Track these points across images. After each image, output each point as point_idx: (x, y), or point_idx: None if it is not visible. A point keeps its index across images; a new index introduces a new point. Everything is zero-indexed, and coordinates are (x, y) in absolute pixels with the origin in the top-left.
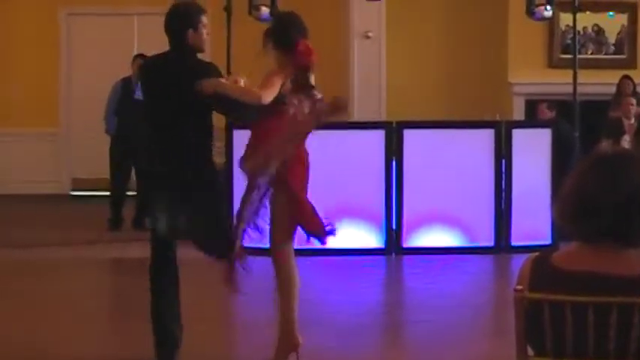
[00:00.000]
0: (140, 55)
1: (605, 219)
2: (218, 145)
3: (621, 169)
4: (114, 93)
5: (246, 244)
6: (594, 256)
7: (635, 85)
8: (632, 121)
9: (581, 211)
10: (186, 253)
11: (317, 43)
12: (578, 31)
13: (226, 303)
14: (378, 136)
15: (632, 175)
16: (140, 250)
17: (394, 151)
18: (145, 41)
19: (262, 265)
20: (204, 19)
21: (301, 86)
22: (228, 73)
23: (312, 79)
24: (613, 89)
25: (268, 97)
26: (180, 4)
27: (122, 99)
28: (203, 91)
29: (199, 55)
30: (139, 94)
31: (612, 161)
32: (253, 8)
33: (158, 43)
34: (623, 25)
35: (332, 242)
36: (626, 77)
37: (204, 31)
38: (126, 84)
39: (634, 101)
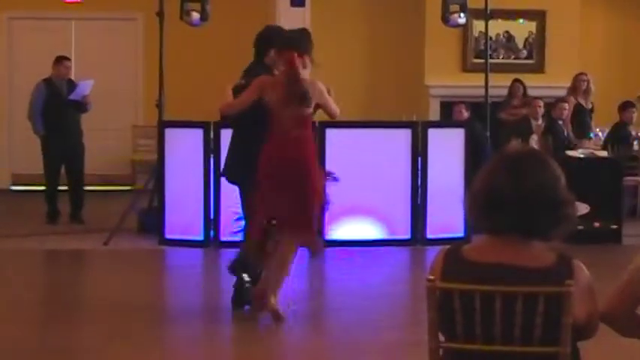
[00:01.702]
0: (63, 57)
1: (511, 213)
2: (150, 142)
3: (526, 167)
4: (38, 93)
5: None
6: (502, 248)
7: (525, 88)
8: (540, 121)
9: (488, 206)
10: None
11: (244, 48)
12: (490, 37)
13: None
14: None
15: (535, 173)
16: (76, 243)
17: (317, 149)
18: (81, 45)
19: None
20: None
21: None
22: (161, 76)
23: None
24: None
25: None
26: (267, 27)
27: (48, 99)
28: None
29: None
30: (76, 95)
31: (518, 159)
32: (185, 13)
33: (94, 48)
34: (531, 32)
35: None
36: (517, 81)
37: None
38: (49, 85)
39: (541, 103)
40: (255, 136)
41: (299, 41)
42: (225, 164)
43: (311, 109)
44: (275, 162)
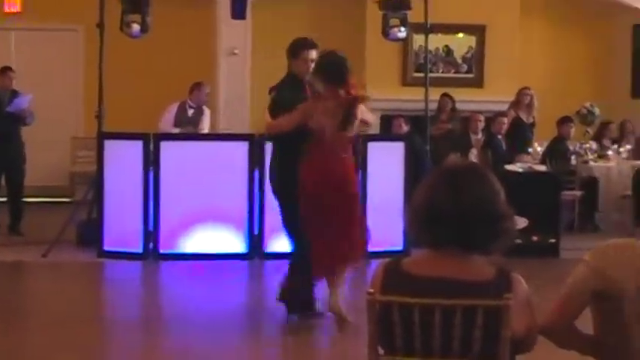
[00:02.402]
0: (7, 68)
1: (450, 227)
2: (90, 154)
3: (464, 181)
4: None
5: None
6: (442, 262)
7: (454, 103)
8: (479, 136)
9: (428, 220)
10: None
11: (185, 59)
12: (430, 52)
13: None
14: (242, 147)
15: (474, 187)
16: (15, 254)
17: (257, 161)
18: (21, 56)
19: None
20: (309, 52)
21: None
22: (100, 87)
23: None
24: (462, 106)
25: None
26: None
27: None
28: None
29: None
30: (13, 107)
31: (457, 174)
32: (125, 25)
33: (34, 59)
34: (471, 47)
35: (197, 247)
36: (445, 95)
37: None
38: None
39: (482, 117)
40: (297, 152)
41: (347, 68)
42: (271, 178)
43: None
44: (324, 183)
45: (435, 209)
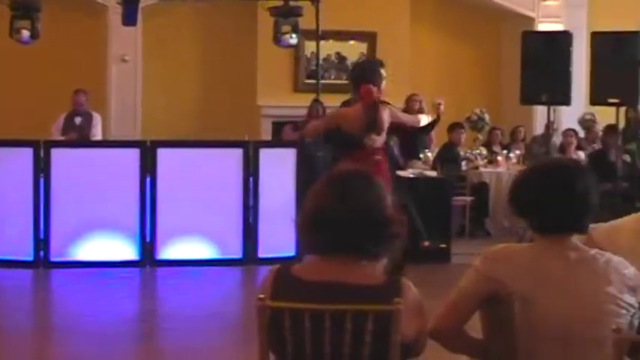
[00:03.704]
0: None
1: (337, 233)
2: None
3: (350, 187)
4: None
5: None
6: (331, 268)
7: (324, 108)
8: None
9: (315, 226)
10: None
11: (76, 65)
12: (322, 58)
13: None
14: (133, 154)
15: (360, 192)
16: None
17: (148, 168)
18: None
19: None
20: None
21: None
22: None
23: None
24: None
25: None
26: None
27: None
28: None
29: None
30: None
31: (343, 180)
32: (14, 31)
33: None
34: (362, 53)
35: (89, 254)
36: (316, 101)
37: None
38: None
39: None
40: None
41: (372, 73)
42: None
43: (383, 134)
44: None
45: (321, 216)
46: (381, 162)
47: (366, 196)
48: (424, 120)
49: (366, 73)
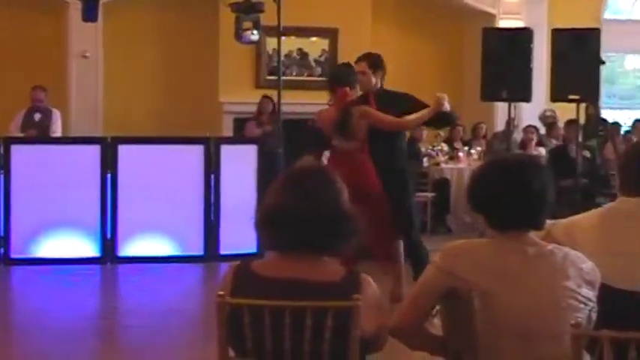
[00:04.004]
0: None
1: (295, 229)
2: None
3: (308, 184)
4: None
5: None
6: (291, 264)
7: (274, 105)
8: None
9: (274, 223)
10: None
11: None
12: (284, 55)
13: None
14: (94, 151)
15: (317, 189)
16: None
17: (109, 164)
18: None
19: None
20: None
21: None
22: None
23: None
24: (315, 109)
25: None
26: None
27: None
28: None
29: None
30: None
31: (301, 176)
32: None
33: None
34: (324, 50)
35: (50, 252)
36: (266, 97)
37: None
38: None
39: None
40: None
41: (347, 76)
42: None
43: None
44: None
45: (279, 212)
46: (364, 161)
47: (324, 192)
48: None
49: (342, 75)
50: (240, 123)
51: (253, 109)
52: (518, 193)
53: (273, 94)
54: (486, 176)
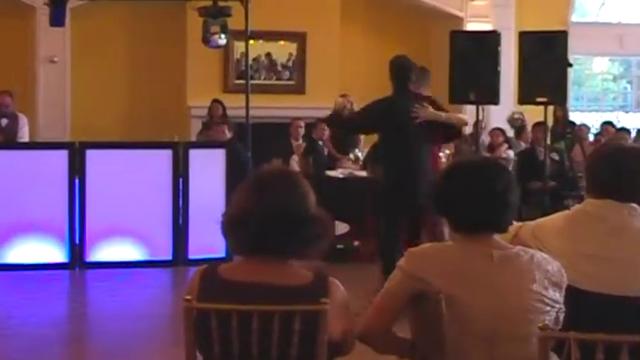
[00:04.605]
0: None
1: (260, 233)
2: None
3: (270, 187)
4: None
5: None
6: (258, 268)
7: (225, 109)
8: (300, 141)
9: (238, 227)
10: None
11: (3, 66)
12: (252, 59)
13: None
14: (61, 156)
15: (280, 192)
16: None
17: (77, 169)
18: None
19: None
20: None
21: None
22: None
23: None
24: (284, 112)
25: None
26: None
27: None
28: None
29: None
30: None
31: (264, 180)
32: None
33: None
34: (292, 54)
35: (18, 257)
36: (216, 101)
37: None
38: None
39: (302, 124)
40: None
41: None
42: None
43: None
44: None
45: (244, 216)
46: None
47: (288, 195)
48: None
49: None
50: (208, 127)
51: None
52: (480, 195)
53: (241, 98)
54: (449, 179)
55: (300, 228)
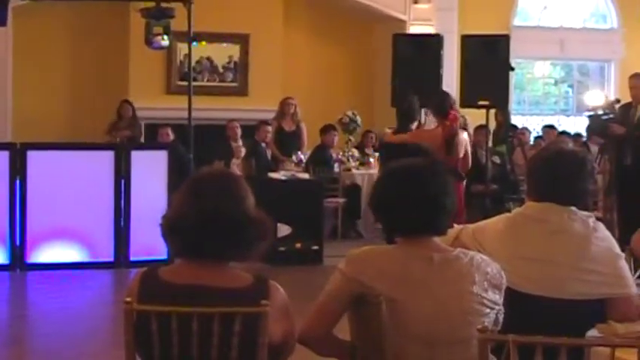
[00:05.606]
0: None
1: (195, 236)
2: None
3: (206, 189)
4: None
5: None
6: (198, 270)
7: (134, 110)
8: (239, 143)
9: (174, 229)
10: None
11: None
12: (195, 60)
13: None
14: (2, 157)
15: (216, 194)
16: None
17: (18, 170)
18: None
19: None
20: None
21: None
22: None
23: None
24: (227, 115)
25: None
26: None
27: None
28: None
29: None
30: None
31: (200, 182)
32: None
33: None
34: (231, 56)
35: None
36: (126, 101)
37: None
38: None
39: (238, 125)
40: None
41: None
42: None
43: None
44: None
45: (180, 219)
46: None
47: (224, 198)
48: None
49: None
50: (150, 128)
51: (164, 114)
52: (414, 198)
53: (184, 99)
54: (384, 183)
55: (237, 231)
